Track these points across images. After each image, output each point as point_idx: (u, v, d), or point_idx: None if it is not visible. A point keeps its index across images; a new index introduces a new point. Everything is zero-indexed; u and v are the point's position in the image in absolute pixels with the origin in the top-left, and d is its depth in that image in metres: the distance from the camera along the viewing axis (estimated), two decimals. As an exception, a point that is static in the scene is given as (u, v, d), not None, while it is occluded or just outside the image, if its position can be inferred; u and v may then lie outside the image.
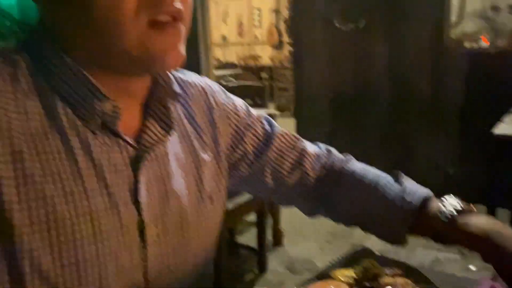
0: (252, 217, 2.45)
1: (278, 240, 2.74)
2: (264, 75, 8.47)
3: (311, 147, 0.81)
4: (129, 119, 0.59)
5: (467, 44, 3.86)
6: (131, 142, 0.57)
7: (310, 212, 0.83)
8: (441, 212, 0.65)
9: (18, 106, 0.51)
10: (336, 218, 0.80)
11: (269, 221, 2.62)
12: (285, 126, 0.81)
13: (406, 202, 0.68)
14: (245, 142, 0.76)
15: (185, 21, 0.55)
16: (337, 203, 0.77)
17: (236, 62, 9.22)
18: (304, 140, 0.81)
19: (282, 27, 7.97)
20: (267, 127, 0.79)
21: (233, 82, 5.64)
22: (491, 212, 2.06)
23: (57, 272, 0.51)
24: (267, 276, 2.40)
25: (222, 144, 0.72)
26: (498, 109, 2.51)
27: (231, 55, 10.03)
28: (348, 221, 0.78)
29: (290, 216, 3.14)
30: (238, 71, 8.00)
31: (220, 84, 0.78)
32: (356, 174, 0.77)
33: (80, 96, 0.53)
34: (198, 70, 4.16)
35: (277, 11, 9.15)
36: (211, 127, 0.71)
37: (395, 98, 3.40)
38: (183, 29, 0.54)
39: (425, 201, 0.68)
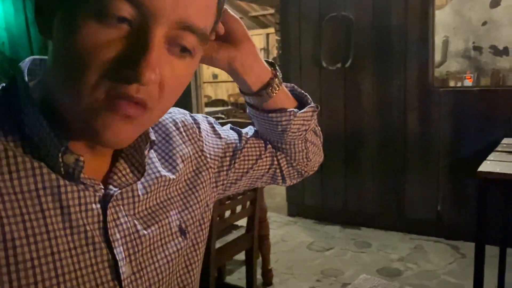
0: (241, 256, 2.41)
1: (268, 279, 2.69)
2: (254, 112, 8.50)
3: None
4: (100, 163, 0.59)
5: (452, 83, 3.95)
6: (97, 186, 0.57)
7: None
8: None
9: None
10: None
11: (259, 260, 2.58)
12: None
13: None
14: (230, 163, 0.78)
15: (152, 110, 0.52)
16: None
17: (226, 99, 9.33)
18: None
19: (272, 65, 8.13)
20: (236, 136, 0.81)
21: (223, 119, 5.68)
22: (481, 249, 2.05)
23: None
24: (256, 317, 2.34)
25: (201, 178, 0.73)
26: (485, 146, 2.54)
27: (222, 92, 10.15)
28: None
29: (280, 255, 3.09)
30: (228, 108, 8.08)
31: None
32: None
33: (45, 146, 0.53)
34: (189, 107, 4.19)
35: (266, 50, 9.36)
36: (185, 163, 0.71)
37: (384, 135, 3.44)
38: (146, 117, 0.52)
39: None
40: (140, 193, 0.63)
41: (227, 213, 2.06)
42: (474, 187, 2.23)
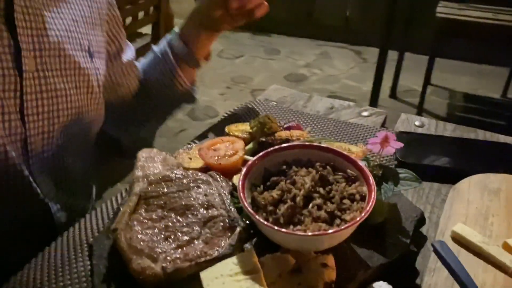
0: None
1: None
2: None
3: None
4: None
5: None
6: None
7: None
8: None
9: None
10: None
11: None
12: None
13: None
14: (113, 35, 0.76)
15: None
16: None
17: None
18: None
19: None
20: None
21: None
22: (384, 53, 2.15)
23: None
24: (168, 123, 2.38)
25: (104, 24, 0.71)
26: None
27: None
28: None
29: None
30: None
31: None
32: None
33: None
34: None
35: None
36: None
37: None
38: None
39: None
40: None
41: (128, 20, 1.88)
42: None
